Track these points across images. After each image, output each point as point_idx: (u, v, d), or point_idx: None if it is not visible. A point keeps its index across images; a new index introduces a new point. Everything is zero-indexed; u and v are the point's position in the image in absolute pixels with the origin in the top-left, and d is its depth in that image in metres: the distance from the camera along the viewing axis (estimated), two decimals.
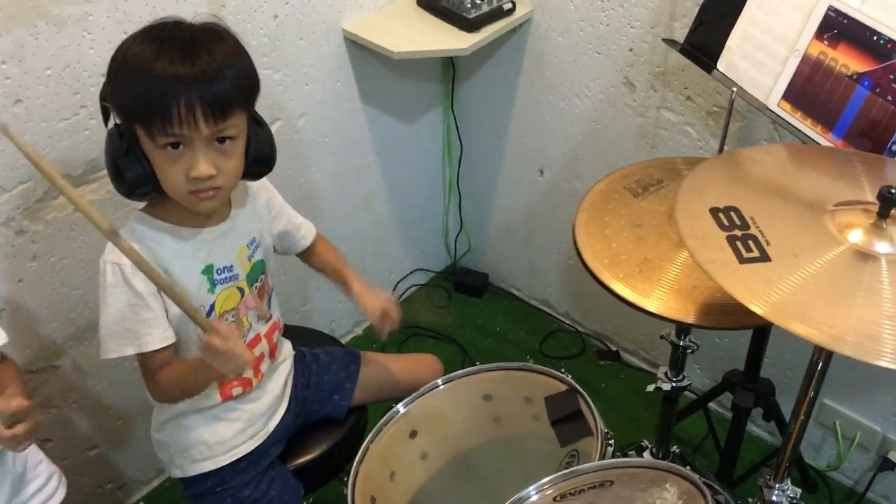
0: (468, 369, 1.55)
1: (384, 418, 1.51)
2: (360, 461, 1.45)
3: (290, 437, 1.55)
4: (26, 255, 1.63)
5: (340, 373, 1.61)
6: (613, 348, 2.40)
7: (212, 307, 1.31)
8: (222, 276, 1.32)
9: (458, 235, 2.62)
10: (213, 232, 1.31)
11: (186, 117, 1.11)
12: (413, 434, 1.55)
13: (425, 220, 2.57)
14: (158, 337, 1.25)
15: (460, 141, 2.40)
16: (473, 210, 2.54)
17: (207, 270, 1.30)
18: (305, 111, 2.01)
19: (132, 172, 1.17)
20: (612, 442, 1.35)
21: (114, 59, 1.16)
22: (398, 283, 2.57)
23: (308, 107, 2.01)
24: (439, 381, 1.53)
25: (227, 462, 1.40)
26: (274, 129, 1.94)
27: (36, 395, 1.75)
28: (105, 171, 1.65)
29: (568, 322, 2.49)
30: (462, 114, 2.35)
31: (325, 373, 1.60)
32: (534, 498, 1.17)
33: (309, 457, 1.57)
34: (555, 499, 1.18)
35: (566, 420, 1.42)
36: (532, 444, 1.57)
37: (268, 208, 1.45)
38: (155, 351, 1.25)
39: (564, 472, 1.18)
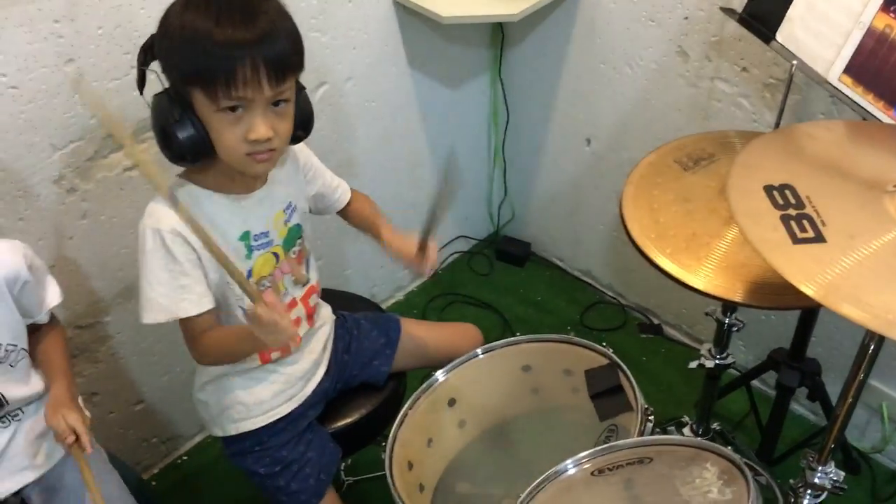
0: (508, 340, 1.54)
1: (423, 385, 1.52)
2: (399, 426, 1.47)
3: (329, 400, 1.56)
4: (77, 213, 1.66)
5: (381, 339, 1.61)
6: (656, 322, 2.37)
7: (249, 273, 1.32)
8: (259, 241, 1.32)
9: (501, 204, 2.60)
10: (250, 198, 1.31)
11: (252, 80, 1.12)
12: (452, 402, 1.56)
13: (469, 188, 2.56)
14: (196, 303, 1.26)
15: (507, 108, 2.37)
16: (518, 179, 2.52)
17: (245, 237, 1.30)
18: (352, 75, 2.00)
19: (186, 136, 1.17)
20: (651, 418, 1.34)
21: (167, 27, 1.15)
22: (440, 249, 2.55)
23: (355, 70, 2.00)
24: (479, 351, 1.53)
25: (265, 423, 1.42)
26: (320, 92, 1.95)
27: (84, 350, 1.79)
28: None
29: (610, 294, 2.47)
30: (510, 81, 2.32)
31: (365, 339, 1.61)
32: (571, 471, 1.16)
33: (347, 420, 1.58)
34: (592, 473, 1.18)
35: (606, 394, 1.41)
36: (570, 416, 1.57)
37: (303, 171, 1.45)
38: (195, 316, 1.26)
39: (603, 447, 1.17)
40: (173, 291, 1.24)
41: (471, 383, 1.55)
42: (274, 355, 1.42)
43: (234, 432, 1.43)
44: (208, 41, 1.10)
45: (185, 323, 1.27)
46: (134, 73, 1.21)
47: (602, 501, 1.20)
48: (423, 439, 1.52)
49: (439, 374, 1.51)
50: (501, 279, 2.57)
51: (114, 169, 1.67)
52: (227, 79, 1.11)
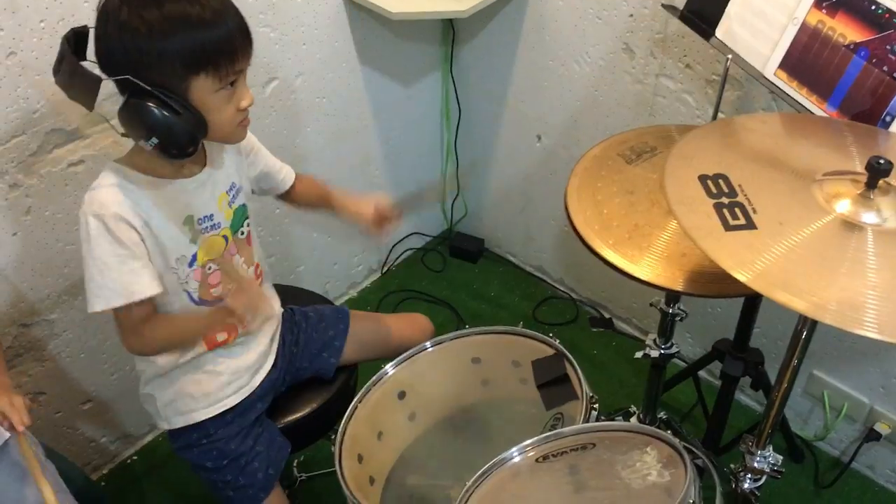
0: (457, 332, 1.56)
1: (372, 379, 1.53)
2: (348, 421, 1.47)
3: (278, 394, 1.56)
4: (21, 209, 1.63)
5: (329, 330, 1.61)
6: (607, 316, 2.41)
7: (194, 257, 1.31)
8: (204, 225, 1.32)
9: (454, 200, 2.62)
10: (193, 182, 1.30)
11: (244, 48, 1.19)
12: (401, 395, 1.57)
13: (422, 185, 2.57)
14: (147, 286, 1.25)
15: (459, 105, 2.39)
16: (471, 174, 2.53)
17: (188, 221, 1.29)
18: (302, 71, 2.00)
19: (194, 127, 1.18)
20: (596, 406, 1.36)
21: (144, 26, 1.11)
22: (394, 245, 2.57)
23: (305, 66, 2.00)
24: (428, 344, 1.54)
25: (213, 414, 1.42)
26: (270, 88, 1.95)
27: (29, 349, 1.77)
28: (100, 126, 1.67)
29: (562, 289, 2.50)
30: (461, 77, 2.33)
31: (313, 330, 1.61)
32: (516, 459, 1.18)
33: (297, 415, 1.58)
34: (537, 460, 1.20)
35: (552, 384, 1.43)
36: (519, 407, 1.59)
37: (244, 152, 1.45)
38: (141, 302, 1.25)
39: (547, 434, 1.19)
40: (124, 276, 1.22)
41: (420, 376, 1.56)
42: (220, 336, 1.41)
43: (180, 424, 1.42)
44: (200, 23, 1.13)
45: (127, 311, 1.25)
46: None
47: (547, 487, 1.22)
48: (374, 432, 1.53)
49: (388, 367, 1.52)
50: (455, 275, 2.59)
51: (58, 164, 1.64)
52: (231, 53, 1.17)
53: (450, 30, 2.25)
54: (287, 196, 1.58)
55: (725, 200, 1.06)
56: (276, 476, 1.47)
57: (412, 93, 2.32)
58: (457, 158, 2.51)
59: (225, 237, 1.36)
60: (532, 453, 1.18)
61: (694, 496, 1.11)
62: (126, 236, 1.22)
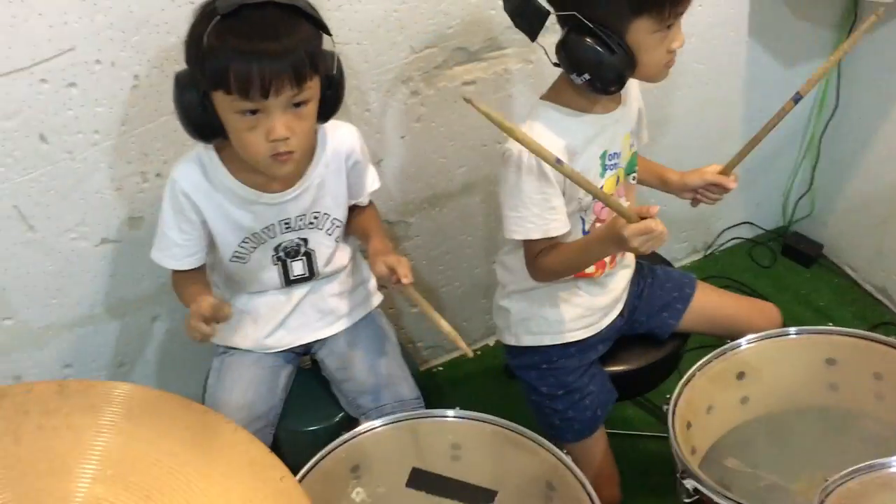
0: (823, 327, 1.47)
1: (717, 350, 1.48)
2: (685, 384, 1.44)
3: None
4: (413, 116, 1.76)
5: (674, 292, 1.60)
6: None
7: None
8: (612, 161, 1.35)
9: (801, 197, 2.44)
10: (610, 118, 1.35)
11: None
12: (741, 375, 1.50)
13: (770, 173, 2.42)
14: (563, 225, 1.33)
15: (838, 97, 2.21)
16: (829, 174, 2.35)
17: (603, 156, 1.33)
18: (693, 32, 1.95)
19: (625, 66, 1.24)
20: None
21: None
22: (723, 231, 2.47)
23: (695, 28, 1.95)
24: (791, 330, 1.46)
25: (559, 342, 1.46)
26: None
27: (391, 243, 1.91)
28: (496, 52, 1.77)
29: None
30: (849, 67, 2.16)
31: (659, 288, 1.60)
32: (894, 469, 1.09)
33: (624, 367, 1.59)
34: None
35: None
36: (866, 424, 1.47)
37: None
38: (540, 239, 1.33)
39: None
40: (545, 213, 1.31)
41: (767, 361, 1.49)
42: (589, 269, 1.44)
43: (528, 343, 1.48)
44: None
45: (535, 243, 1.34)
46: None
47: None
48: (705, 405, 1.49)
49: (742, 342, 1.46)
50: (783, 276, 2.43)
51: (454, 80, 1.75)
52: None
53: (852, 14, 2.08)
54: None
55: None
56: (603, 418, 1.49)
57: (790, 76, 2.18)
58: (818, 154, 2.34)
59: (618, 178, 1.38)
60: None
61: None
62: (555, 176, 1.28)
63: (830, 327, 1.48)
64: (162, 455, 1.01)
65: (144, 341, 1.76)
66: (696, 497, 1.29)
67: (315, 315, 1.51)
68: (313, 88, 1.24)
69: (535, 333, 1.47)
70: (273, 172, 1.29)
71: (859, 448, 1.45)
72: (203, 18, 1.19)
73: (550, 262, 1.35)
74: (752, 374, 1.50)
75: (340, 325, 1.53)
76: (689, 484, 1.29)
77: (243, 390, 1.43)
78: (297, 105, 1.22)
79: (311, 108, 1.25)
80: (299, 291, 1.48)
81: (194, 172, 1.33)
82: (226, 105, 1.20)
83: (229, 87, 1.17)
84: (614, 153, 1.35)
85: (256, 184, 1.34)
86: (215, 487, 0.98)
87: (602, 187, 1.35)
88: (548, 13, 1.22)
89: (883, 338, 1.43)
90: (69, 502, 0.93)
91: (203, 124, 1.25)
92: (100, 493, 0.95)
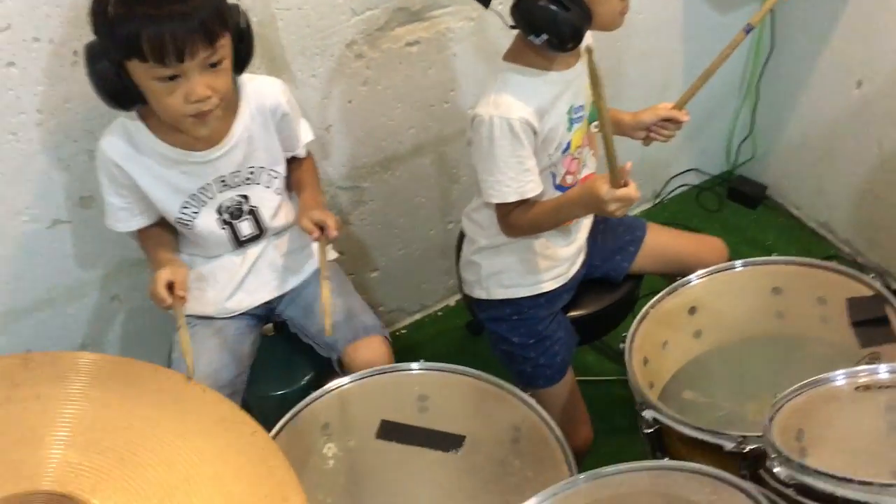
0: (767, 258, 1.53)
1: (669, 287, 1.53)
2: (641, 321, 1.49)
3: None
4: (359, 79, 1.77)
5: (626, 235, 1.65)
6: (894, 286, 2.24)
7: (568, 145, 1.38)
8: (577, 115, 1.38)
9: (743, 141, 2.51)
10: (572, 72, 1.36)
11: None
12: (692, 310, 1.56)
13: (712, 119, 2.48)
14: (537, 185, 1.35)
15: (772, 40, 2.27)
16: (768, 116, 2.42)
17: (570, 110, 1.36)
18: None
19: (581, 20, 1.24)
20: None
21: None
22: (670, 179, 2.53)
23: None
24: (737, 263, 1.52)
25: (531, 294, 1.50)
26: None
27: (339, 211, 1.93)
28: (438, 11, 1.73)
29: (847, 249, 2.35)
30: (782, 9, 2.21)
31: (611, 232, 1.64)
32: (839, 382, 1.14)
33: (582, 311, 1.64)
34: (856, 388, 1.15)
35: (868, 323, 1.36)
36: (814, 348, 1.53)
37: None
38: (516, 202, 1.36)
39: (888, 364, 1.13)
40: (520, 175, 1.33)
41: (716, 295, 1.54)
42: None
43: (499, 297, 1.51)
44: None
45: (500, 204, 1.37)
46: None
47: (860, 418, 1.17)
48: (660, 340, 1.54)
49: (693, 277, 1.51)
50: (730, 218, 2.50)
51: (398, 42, 1.76)
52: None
53: None
54: None
55: None
56: (569, 362, 1.54)
57: (727, 21, 2.23)
58: (757, 97, 2.40)
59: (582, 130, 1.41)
60: (864, 380, 1.13)
61: None
62: (527, 139, 1.30)
63: (774, 257, 1.53)
64: (134, 419, 1.02)
65: (105, 321, 1.76)
66: (657, 426, 1.35)
67: (271, 274, 1.53)
68: (226, 46, 1.27)
69: (507, 287, 1.50)
70: (196, 132, 1.32)
71: (809, 370, 1.49)
72: None
73: (523, 221, 1.38)
74: (702, 309, 1.56)
75: (296, 280, 1.57)
76: (648, 415, 1.35)
77: (207, 360, 1.44)
78: (213, 65, 1.26)
79: (227, 65, 1.29)
80: (252, 251, 1.51)
81: (120, 141, 1.36)
82: (142, 73, 1.22)
83: (143, 54, 1.18)
84: (579, 106, 1.38)
85: (184, 143, 1.37)
86: (188, 445, 0.99)
87: (571, 142, 1.38)
88: None
89: (824, 262, 1.50)
90: (44, 469, 0.94)
91: (121, 94, 1.27)
92: (73, 460, 0.96)
